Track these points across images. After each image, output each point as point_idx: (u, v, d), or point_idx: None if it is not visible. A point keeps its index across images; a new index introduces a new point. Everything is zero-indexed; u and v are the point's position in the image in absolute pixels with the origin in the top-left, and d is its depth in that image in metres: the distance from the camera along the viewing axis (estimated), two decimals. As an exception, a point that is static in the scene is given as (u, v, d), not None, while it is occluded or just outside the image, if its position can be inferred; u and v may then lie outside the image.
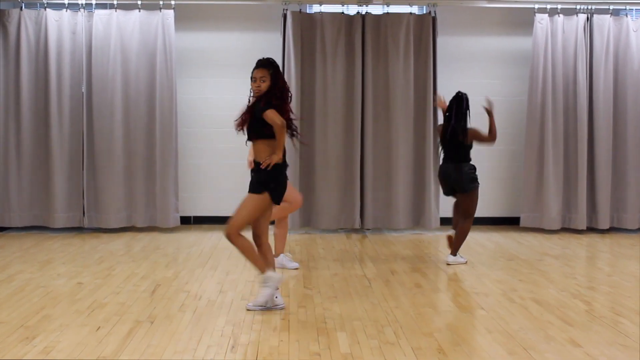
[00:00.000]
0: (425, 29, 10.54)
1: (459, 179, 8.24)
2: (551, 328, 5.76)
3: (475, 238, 10.05)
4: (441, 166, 8.49)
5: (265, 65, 6.35)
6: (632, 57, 10.60)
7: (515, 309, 6.33)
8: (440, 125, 8.60)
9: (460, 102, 8.33)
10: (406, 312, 6.21)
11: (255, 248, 6.39)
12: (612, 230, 10.79)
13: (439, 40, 10.61)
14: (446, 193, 8.55)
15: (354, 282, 7.34)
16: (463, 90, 8.94)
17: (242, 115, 6.39)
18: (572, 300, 6.65)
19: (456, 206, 8.53)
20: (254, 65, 10.76)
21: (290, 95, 6.39)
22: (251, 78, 6.38)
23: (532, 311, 6.27)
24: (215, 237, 9.99)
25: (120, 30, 10.35)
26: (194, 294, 6.81)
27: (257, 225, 6.41)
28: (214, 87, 11.01)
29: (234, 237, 6.26)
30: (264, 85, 6.27)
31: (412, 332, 5.64)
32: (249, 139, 6.39)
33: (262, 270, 6.28)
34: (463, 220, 8.32)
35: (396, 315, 6.10)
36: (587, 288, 7.16)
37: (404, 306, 6.42)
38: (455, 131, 8.25)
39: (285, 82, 6.41)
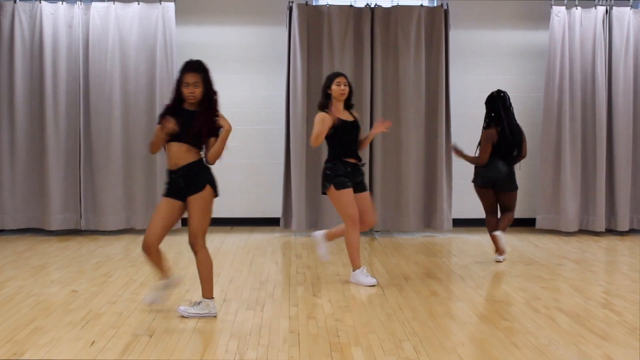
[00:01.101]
0: (437, 23, 10.09)
1: (512, 178, 8.33)
2: (584, 343, 5.31)
3: (489, 241, 9.55)
4: (497, 164, 8.26)
5: (197, 69, 6.06)
6: (653, 52, 10.17)
7: (542, 320, 5.88)
8: (491, 128, 8.32)
9: (504, 100, 8.31)
10: (424, 324, 5.76)
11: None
12: (631, 232, 10.35)
13: (451, 34, 10.17)
14: (484, 188, 8.40)
15: (366, 290, 6.90)
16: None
17: (198, 122, 5.99)
18: (601, 310, 6.20)
19: (493, 208, 8.48)
20: (259, 60, 10.55)
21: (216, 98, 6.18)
22: (181, 82, 6.02)
23: (560, 323, 5.82)
24: (218, 240, 9.56)
25: (119, 23, 9.90)
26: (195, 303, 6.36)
27: (163, 232, 6.10)
28: (217, 83, 10.45)
29: (200, 249, 6.17)
30: (198, 91, 5.99)
31: (433, 347, 5.19)
32: (181, 140, 5.94)
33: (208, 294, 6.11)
34: (507, 213, 8.38)
35: (414, 328, 5.65)
36: (615, 296, 6.71)
37: (422, 317, 5.97)
38: (517, 128, 8.36)
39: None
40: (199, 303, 6.02)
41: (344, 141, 7.16)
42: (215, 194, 6.15)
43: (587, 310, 6.21)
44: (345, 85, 7.15)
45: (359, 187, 7.19)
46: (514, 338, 5.42)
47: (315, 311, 6.14)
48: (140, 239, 9.48)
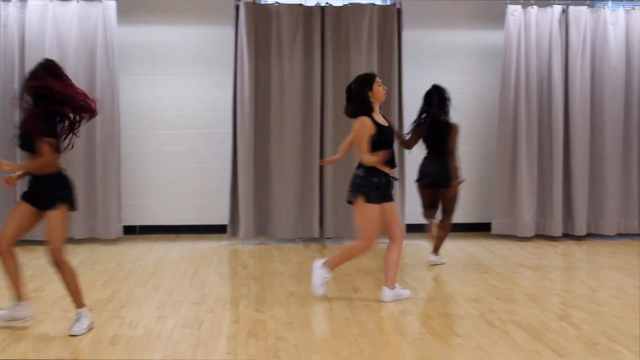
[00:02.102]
0: (389, 22, 9.75)
1: (446, 173, 7.93)
2: (540, 361, 5.00)
3: (444, 247, 9.27)
4: (427, 162, 8.12)
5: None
6: (609, 53, 9.91)
7: (496, 335, 5.56)
8: (418, 121, 8.23)
9: (441, 93, 8.11)
10: (372, 341, 5.41)
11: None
12: (589, 236, 10.09)
13: (404, 33, 9.83)
14: (424, 188, 8.10)
15: (312, 303, 6.53)
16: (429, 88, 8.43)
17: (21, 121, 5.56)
18: (558, 323, 5.90)
19: (433, 204, 8.17)
20: (205, 61, 10.14)
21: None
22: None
23: (515, 337, 5.50)
24: (162, 250, 9.14)
25: (57, 23, 9.42)
26: (129, 321, 5.94)
27: (16, 235, 5.65)
28: (163, 85, 10.14)
29: (63, 264, 5.59)
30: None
31: (379, 368, 4.85)
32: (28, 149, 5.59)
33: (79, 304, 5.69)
34: (445, 217, 8.07)
35: (361, 346, 5.30)
36: (573, 307, 6.41)
37: (370, 333, 5.62)
38: (442, 122, 8.05)
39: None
40: (78, 318, 5.62)
41: (381, 149, 6.52)
42: (72, 209, 5.64)
43: (543, 323, 5.90)
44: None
45: (387, 198, 6.62)
46: (465, 356, 5.09)
47: (257, 328, 5.75)
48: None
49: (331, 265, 6.74)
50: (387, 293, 6.61)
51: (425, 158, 8.27)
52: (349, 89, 6.71)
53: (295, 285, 7.22)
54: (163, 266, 8.18)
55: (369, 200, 6.44)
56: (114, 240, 9.64)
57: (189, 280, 7.48)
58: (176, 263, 8.37)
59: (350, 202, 6.61)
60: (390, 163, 6.60)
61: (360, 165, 6.55)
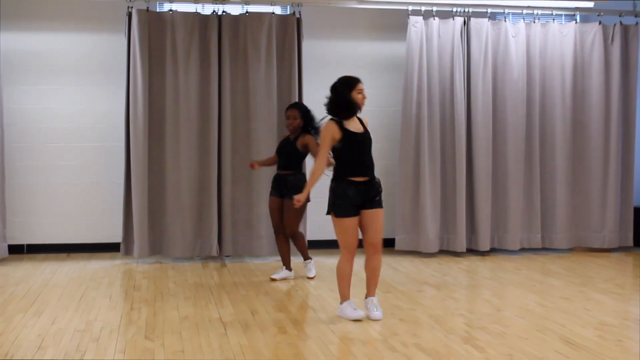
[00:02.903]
0: (289, 32, 9.45)
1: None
2: (444, 390, 4.73)
3: (347, 264, 9.03)
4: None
5: None
6: (511, 65, 9.81)
7: (399, 362, 5.29)
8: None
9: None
10: (268, 371, 5.06)
11: None
12: (492, 251, 9.97)
13: (304, 44, 9.54)
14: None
15: (206, 329, 6.12)
16: (320, 98, 8.27)
17: None
18: (463, 347, 5.65)
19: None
20: (95, 70, 9.66)
21: None
22: None
23: (418, 364, 5.24)
24: (49, 271, 8.60)
25: None
26: (4, 353, 5.44)
27: None
28: (50, 95, 9.61)
29: None
30: None
31: (274, 402, 4.50)
32: None
33: None
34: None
35: (255, 377, 4.94)
36: (478, 328, 6.19)
37: (266, 362, 5.27)
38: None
39: None
40: None
41: (348, 156, 6.41)
42: None
43: (447, 346, 5.65)
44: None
45: (367, 206, 6.41)
46: (367, 387, 4.80)
47: (144, 358, 5.33)
48: None
49: (345, 296, 6.51)
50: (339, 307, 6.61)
51: None
52: (334, 88, 6.56)
53: (190, 309, 6.81)
54: (48, 289, 7.66)
55: (337, 214, 6.39)
56: (-2, 261, 9.07)
57: (75, 304, 6.99)
58: (63, 285, 7.85)
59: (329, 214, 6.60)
60: (358, 172, 6.42)
61: (332, 179, 6.50)
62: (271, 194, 8.21)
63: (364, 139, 6.48)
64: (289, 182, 8.00)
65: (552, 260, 9.54)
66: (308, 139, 8.01)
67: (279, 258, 9.41)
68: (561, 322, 6.38)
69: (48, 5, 9.52)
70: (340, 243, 6.46)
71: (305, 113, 8.14)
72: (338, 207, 6.37)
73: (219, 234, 9.32)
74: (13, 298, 7.27)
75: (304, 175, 8.24)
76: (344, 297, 6.50)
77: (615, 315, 6.64)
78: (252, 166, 8.31)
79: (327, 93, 9.88)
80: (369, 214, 6.40)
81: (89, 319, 6.44)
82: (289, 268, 8.29)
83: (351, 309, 6.45)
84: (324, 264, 9.13)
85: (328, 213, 6.53)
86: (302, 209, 8.04)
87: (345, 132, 6.38)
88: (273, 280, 8.12)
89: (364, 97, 6.53)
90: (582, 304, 7.08)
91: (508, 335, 5.99)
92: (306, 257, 8.40)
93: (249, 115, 9.33)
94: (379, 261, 6.51)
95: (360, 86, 6.51)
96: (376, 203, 6.43)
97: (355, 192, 6.35)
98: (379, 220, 6.44)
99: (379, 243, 6.48)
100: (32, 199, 9.60)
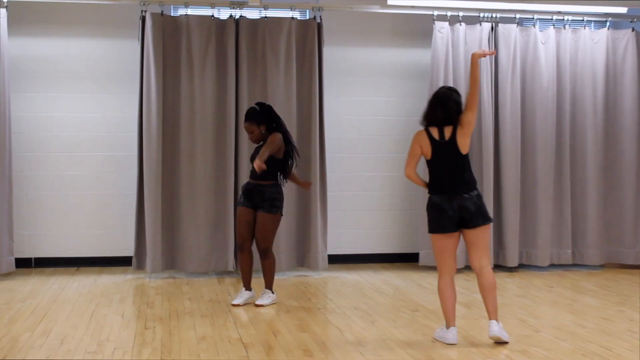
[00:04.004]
0: (309, 37, 9.06)
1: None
2: None
3: (369, 280, 8.65)
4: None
5: None
6: (540, 73, 9.39)
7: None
8: None
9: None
10: (296, 399, 4.64)
11: None
12: (520, 267, 9.53)
13: (325, 50, 9.15)
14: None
15: (226, 351, 5.70)
16: (353, 109, 8.51)
17: None
18: (505, 373, 5.23)
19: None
20: (107, 77, 9.29)
21: None
22: None
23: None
24: (58, 286, 8.20)
25: (-61, 32, 8.46)
26: (9, 377, 5.05)
27: None
28: (60, 103, 9.24)
29: None
30: None
31: None
32: None
33: None
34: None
35: (283, 406, 4.52)
36: (517, 352, 5.75)
37: (293, 389, 4.85)
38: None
39: None
40: None
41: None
42: None
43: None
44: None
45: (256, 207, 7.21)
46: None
47: (161, 385, 4.92)
48: None
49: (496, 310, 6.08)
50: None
51: None
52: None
53: (207, 328, 6.39)
54: (57, 306, 7.25)
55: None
56: (5, 275, 8.67)
57: (85, 323, 6.58)
58: (73, 302, 7.45)
59: None
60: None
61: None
62: (241, 204, 7.35)
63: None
64: (265, 193, 7.22)
65: (583, 277, 9.10)
66: (271, 136, 7.21)
67: (300, 273, 9.09)
68: (606, 345, 5.94)
69: (57, 9, 9.14)
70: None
71: (261, 118, 7.29)
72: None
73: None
74: (20, 315, 6.86)
75: (280, 187, 7.36)
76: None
77: (663, 338, 6.20)
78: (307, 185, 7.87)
79: (348, 101, 9.60)
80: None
81: (100, 340, 6.03)
82: (249, 288, 7.42)
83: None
84: (345, 280, 8.73)
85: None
86: (278, 224, 7.34)
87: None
88: (236, 306, 7.21)
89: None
90: (624, 325, 6.64)
91: None
92: (269, 286, 7.41)
93: (268, 124, 8.93)
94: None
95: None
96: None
97: (244, 190, 7.30)
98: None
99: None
100: (40, 210, 9.21)
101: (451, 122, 6.09)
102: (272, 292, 7.41)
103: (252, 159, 7.25)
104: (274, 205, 7.19)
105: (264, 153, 6.94)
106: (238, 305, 7.23)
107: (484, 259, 6.06)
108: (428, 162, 6.17)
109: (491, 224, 6.18)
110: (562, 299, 7.82)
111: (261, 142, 7.32)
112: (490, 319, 5.96)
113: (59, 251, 9.30)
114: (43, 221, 9.24)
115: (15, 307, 7.18)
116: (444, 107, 6.13)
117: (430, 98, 6.32)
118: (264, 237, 7.27)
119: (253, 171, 7.19)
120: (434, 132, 6.11)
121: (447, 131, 6.08)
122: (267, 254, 7.34)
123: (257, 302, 7.29)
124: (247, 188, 7.35)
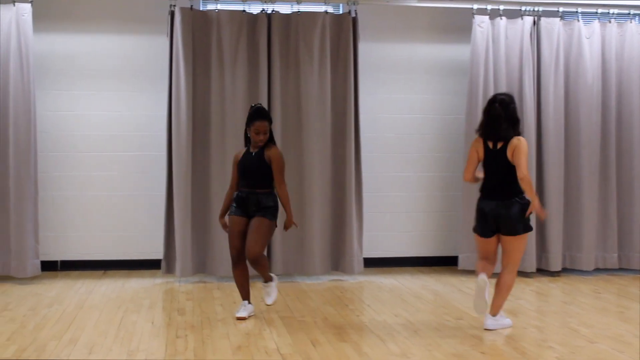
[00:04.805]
0: (344, 32, 8.72)
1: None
2: None
3: (406, 285, 8.31)
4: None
5: None
6: (584, 69, 9.00)
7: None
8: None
9: (506, 106, 6.31)
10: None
11: None
12: (564, 272, 9.13)
13: (360, 46, 8.80)
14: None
15: (266, 362, 5.40)
16: (389, 107, 8.70)
17: None
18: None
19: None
20: (135, 74, 9.01)
21: None
22: None
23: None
24: (85, 290, 7.93)
25: (-37, 28, 8.21)
26: (35, 391, 4.75)
27: None
28: (86, 101, 8.96)
29: None
30: None
31: None
32: None
33: None
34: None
35: None
36: (574, 365, 5.39)
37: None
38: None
39: None
40: None
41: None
42: None
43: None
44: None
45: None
46: None
47: (196, 400, 4.60)
48: None
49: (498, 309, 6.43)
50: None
51: None
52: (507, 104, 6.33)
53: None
54: (84, 312, 6.96)
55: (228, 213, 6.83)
56: (31, 279, 8.40)
57: (114, 330, 6.28)
58: (100, 307, 7.16)
59: None
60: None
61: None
62: (233, 213, 6.75)
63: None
64: (262, 201, 6.65)
65: (631, 282, 8.70)
66: (274, 153, 6.72)
67: (334, 277, 8.78)
68: (668, 357, 5.57)
69: (84, 4, 8.87)
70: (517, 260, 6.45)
71: (271, 118, 6.88)
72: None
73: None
74: (46, 322, 6.57)
75: (276, 197, 6.77)
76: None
77: None
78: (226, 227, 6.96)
79: (383, 98, 9.26)
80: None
81: (130, 349, 5.72)
82: (250, 302, 6.89)
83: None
84: (382, 284, 8.40)
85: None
86: (272, 232, 6.74)
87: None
88: (242, 319, 6.67)
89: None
90: (683, 334, 6.26)
91: (611, 373, 5.19)
92: (268, 279, 6.87)
93: (301, 122, 8.62)
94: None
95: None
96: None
97: (237, 198, 6.77)
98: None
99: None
100: (66, 212, 8.94)
101: (503, 138, 6.26)
102: (271, 279, 6.86)
103: (244, 169, 6.72)
104: (270, 212, 6.64)
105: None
106: (244, 318, 6.69)
107: (509, 265, 6.44)
108: (482, 166, 6.45)
109: (525, 234, 6.38)
110: (612, 306, 7.44)
111: (248, 150, 6.81)
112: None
113: (85, 254, 9.03)
114: (69, 223, 8.97)
115: (42, 313, 6.90)
116: (496, 128, 6.28)
117: (484, 109, 6.44)
118: (255, 241, 6.55)
119: (247, 179, 6.71)
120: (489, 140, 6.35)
121: (499, 143, 6.28)
122: (258, 261, 6.60)
123: (268, 302, 6.82)
124: (241, 197, 6.72)
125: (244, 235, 6.68)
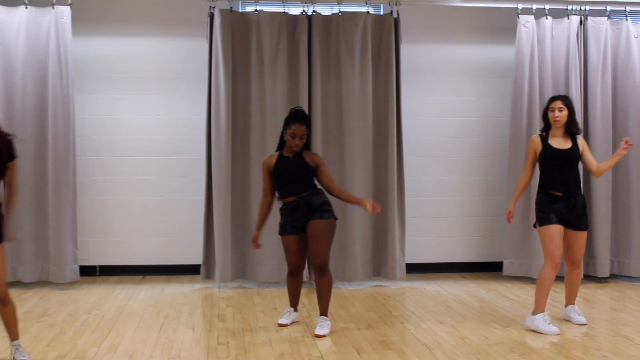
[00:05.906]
0: (386, 33, 8.57)
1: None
2: None
3: (450, 291, 8.12)
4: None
5: None
6: (633, 69, 8.77)
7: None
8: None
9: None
10: None
11: None
12: (612, 278, 8.88)
13: (402, 47, 8.63)
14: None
15: (308, 370, 5.25)
16: (431, 109, 8.64)
17: None
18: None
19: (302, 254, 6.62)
20: (174, 77, 8.92)
21: None
22: None
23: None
24: (124, 296, 7.83)
25: (2, 31, 8.14)
26: (75, 399, 4.64)
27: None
28: (125, 105, 8.89)
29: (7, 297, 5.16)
30: None
31: None
32: None
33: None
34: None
35: None
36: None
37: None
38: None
39: None
40: (17, 348, 5.23)
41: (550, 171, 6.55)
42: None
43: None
44: (560, 110, 6.54)
45: (575, 227, 6.58)
46: None
47: (240, 410, 4.46)
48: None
49: (540, 307, 6.44)
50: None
51: None
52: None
53: (285, 345, 5.93)
54: (124, 317, 6.87)
55: (540, 223, 6.51)
56: (70, 284, 8.32)
57: (154, 337, 6.17)
58: (140, 313, 7.06)
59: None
60: (556, 187, 6.54)
61: (538, 190, 6.69)
62: (286, 232, 6.51)
63: (564, 156, 6.53)
64: (313, 201, 6.39)
65: (682, 289, 8.45)
66: (319, 158, 6.59)
67: (376, 283, 8.62)
68: None
69: (122, 7, 8.80)
70: (544, 251, 6.48)
71: (310, 123, 6.82)
72: (540, 214, 6.47)
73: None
74: (86, 328, 6.48)
75: (323, 191, 6.56)
76: (540, 307, 6.40)
77: None
78: (257, 246, 6.80)
79: (425, 100, 9.10)
80: (574, 234, 6.54)
81: (171, 356, 5.61)
82: (296, 309, 6.79)
83: (545, 323, 6.34)
84: (425, 290, 8.21)
85: (535, 225, 6.64)
86: (333, 231, 6.44)
87: (545, 146, 6.55)
88: (284, 326, 6.55)
89: (554, 116, 6.54)
90: None
91: (674, 386, 4.97)
92: (325, 312, 6.43)
93: (342, 124, 8.47)
94: (578, 276, 6.73)
95: (553, 104, 6.59)
96: (582, 227, 6.58)
97: (558, 204, 6.45)
98: (581, 241, 6.59)
99: (580, 260, 6.67)
100: (105, 216, 8.86)
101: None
102: (327, 316, 6.45)
103: (283, 175, 6.46)
104: (326, 210, 6.39)
105: (339, 188, 6.82)
106: (285, 325, 6.56)
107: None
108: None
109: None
110: (665, 314, 7.20)
111: (282, 155, 6.59)
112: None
113: (124, 259, 8.96)
114: (108, 228, 8.90)
115: (81, 319, 6.81)
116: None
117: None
118: (319, 249, 6.33)
119: (290, 184, 6.45)
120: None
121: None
122: (323, 271, 6.36)
123: (318, 332, 6.24)
124: (289, 209, 6.46)
125: (301, 251, 6.53)
